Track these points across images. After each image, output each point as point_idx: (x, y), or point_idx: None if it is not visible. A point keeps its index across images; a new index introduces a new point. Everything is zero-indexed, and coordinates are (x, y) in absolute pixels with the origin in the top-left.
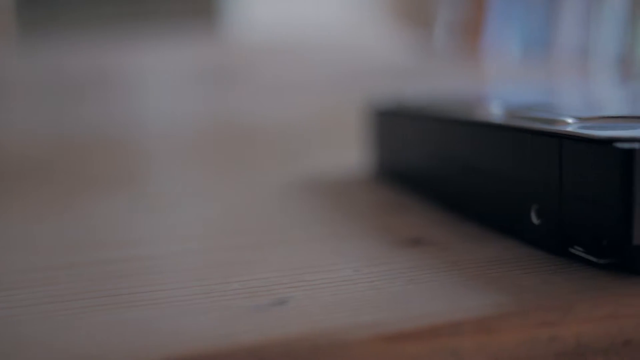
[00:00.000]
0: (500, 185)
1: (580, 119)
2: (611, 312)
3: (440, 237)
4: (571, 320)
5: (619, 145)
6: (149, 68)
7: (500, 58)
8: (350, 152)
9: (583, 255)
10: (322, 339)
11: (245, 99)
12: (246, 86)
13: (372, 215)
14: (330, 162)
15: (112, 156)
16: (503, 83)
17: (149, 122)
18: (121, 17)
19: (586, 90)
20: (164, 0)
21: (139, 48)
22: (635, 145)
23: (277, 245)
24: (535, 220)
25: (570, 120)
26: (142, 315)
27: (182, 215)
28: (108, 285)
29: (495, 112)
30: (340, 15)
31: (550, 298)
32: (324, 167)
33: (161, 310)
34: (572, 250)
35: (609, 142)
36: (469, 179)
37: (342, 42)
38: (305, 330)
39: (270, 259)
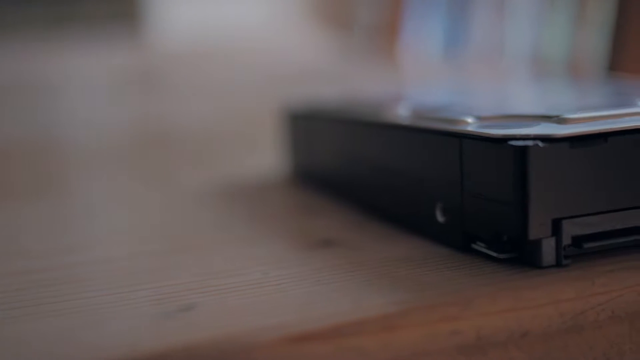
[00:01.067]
0: (408, 185)
1: (480, 119)
2: (510, 306)
3: (351, 238)
4: (471, 314)
5: (514, 143)
6: (71, 72)
7: (418, 59)
8: (269, 155)
9: (485, 251)
10: (227, 344)
11: (167, 103)
12: (169, 90)
13: (285, 217)
14: (248, 165)
15: (33, 163)
16: (417, 84)
17: (70, 127)
18: (44, 21)
19: (495, 90)
20: (86, 3)
21: (61, 52)
22: (529, 143)
23: (188, 250)
24: (440, 218)
25: (470, 120)
26: (49, 326)
27: (101, 223)
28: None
29: (402, 113)
30: (263, 19)
31: (451, 294)
32: (242, 170)
33: (68, 319)
34: (475, 247)
35: (504, 140)
36: (378, 179)
37: (264, 45)
38: (211, 336)
39: (180, 265)
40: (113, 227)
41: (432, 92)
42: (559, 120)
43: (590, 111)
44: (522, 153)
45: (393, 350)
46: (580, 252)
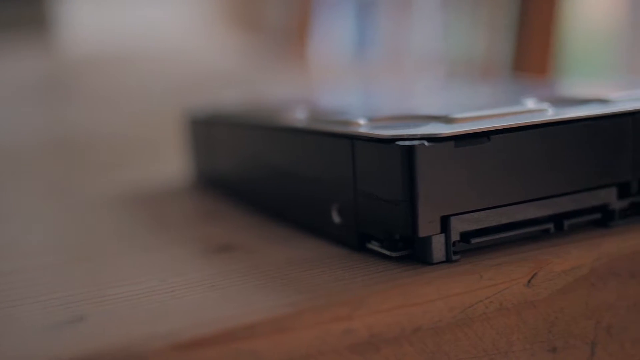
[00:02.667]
0: (305, 187)
1: (372, 120)
2: (401, 302)
3: (249, 242)
4: (363, 313)
5: (400, 143)
6: None
7: (326, 61)
8: (174, 162)
9: (379, 250)
10: (117, 354)
11: (75, 109)
12: (77, 97)
13: (186, 224)
14: (154, 172)
15: None
16: (324, 86)
17: None
18: None
19: (395, 91)
20: None
21: None
22: (415, 142)
23: (84, 261)
24: (336, 219)
25: (362, 122)
26: None
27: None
28: None
29: (299, 116)
30: (173, 24)
31: (343, 293)
32: (148, 178)
33: None
34: (369, 246)
35: (392, 140)
36: (278, 182)
37: (175, 50)
38: (100, 347)
39: (74, 276)
40: (7, 239)
41: (333, 95)
42: (447, 120)
43: (477, 110)
44: (408, 152)
45: (286, 352)
46: (469, 247)
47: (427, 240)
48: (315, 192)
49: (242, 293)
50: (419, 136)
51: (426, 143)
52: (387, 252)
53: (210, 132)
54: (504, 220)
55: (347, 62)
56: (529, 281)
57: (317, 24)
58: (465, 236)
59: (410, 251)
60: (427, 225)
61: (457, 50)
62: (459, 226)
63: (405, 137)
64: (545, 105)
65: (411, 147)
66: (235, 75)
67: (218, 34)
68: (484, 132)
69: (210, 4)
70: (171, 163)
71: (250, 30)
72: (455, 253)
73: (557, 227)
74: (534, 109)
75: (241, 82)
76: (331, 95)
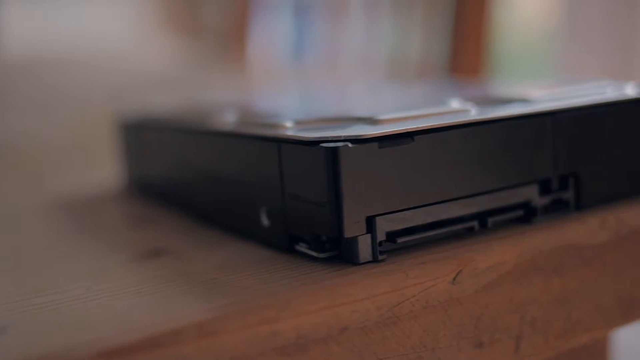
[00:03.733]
0: (235, 191)
1: (299, 123)
2: (328, 303)
3: (179, 247)
4: (289, 314)
5: (325, 144)
6: None
7: (265, 64)
8: (108, 168)
9: (306, 251)
10: None
11: (8, 116)
12: (10, 103)
13: (117, 230)
14: (88, 178)
15: None
16: (258, 89)
17: None
18: None
19: (327, 93)
20: None
21: None
22: (339, 144)
23: (10, 271)
24: (265, 222)
25: (289, 124)
26: None
27: None
28: None
29: (229, 119)
30: (110, 28)
31: (269, 296)
32: (80, 184)
33: None
34: (298, 248)
35: (317, 142)
36: (208, 186)
37: (111, 55)
38: (22, 357)
39: None
40: None
41: (267, 97)
42: (372, 121)
43: (402, 111)
44: (332, 154)
45: (213, 357)
46: (395, 247)
47: (353, 240)
48: (244, 195)
49: (169, 299)
50: (343, 138)
51: (350, 145)
52: (315, 254)
53: (141, 136)
54: (429, 219)
55: (285, 64)
56: (454, 278)
57: (255, 27)
58: (391, 236)
59: (338, 252)
60: (352, 226)
61: (393, 52)
62: (384, 226)
63: (330, 139)
64: (469, 106)
65: (335, 149)
66: (173, 79)
67: (155, 38)
68: (407, 132)
69: (147, 8)
70: (105, 169)
71: (188, 33)
72: (381, 253)
73: (482, 225)
74: (457, 109)
75: (178, 86)
76: (265, 98)
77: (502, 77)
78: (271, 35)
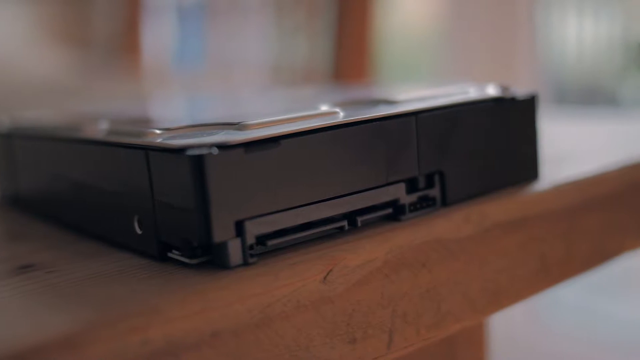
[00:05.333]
0: (107, 201)
1: (168, 130)
2: (199, 308)
3: (51, 260)
4: (160, 321)
5: (190, 152)
6: None
7: (157, 72)
8: None
9: (178, 258)
10: None
11: None
12: None
13: None
14: None
15: None
16: (143, 97)
17: None
18: None
19: (206, 100)
20: None
21: None
22: (204, 151)
23: None
24: (138, 230)
25: (158, 132)
26: None
27: None
28: None
29: (101, 128)
30: None
31: (139, 304)
32: None
33: None
34: (170, 255)
35: (182, 150)
36: (81, 197)
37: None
38: None
39: None
40: None
41: (146, 105)
42: (240, 127)
43: (270, 116)
44: (197, 161)
45: None
46: (265, 249)
47: (223, 245)
48: (117, 205)
49: (36, 313)
50: (208, 144)
51: (214, 151)
52: (186, 260)
53: (11, 147)
54: (299, 221)
55: (174, 71)
56: (325, 277)
57: (146, 34)
58: (262, 239)
59: (209, 257)
60: (221, 231)
61: (278, 58)
62: (254, 230)
63: (195, 146)
64: (337, 109)
65: (200, 156)
66: (61, 89)
67: (43, 48)
68: (273, 137)
69: (34, 19)
70: None
71: (77, 43)
72: (252, 256)
73: (351, 224)
74: (325, 112)
75: (67, 96)
76: (145, 105)
77: (384, 82)
78: (161, 42)
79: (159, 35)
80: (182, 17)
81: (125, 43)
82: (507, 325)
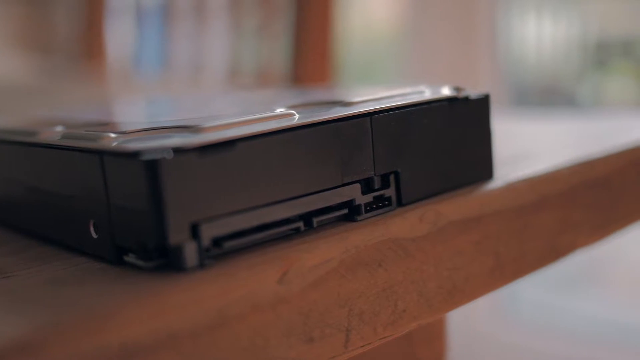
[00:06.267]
0: (63, 205)
1: (123, 134)
2: (155, 311)
3: (7, 266)
4: (115, 325)
5: (144, 156)
6: None
7: (118, 75)
8: None
9: (135, 262)
10: None
11: None
12: None
13: None
14: None
15: None
16: (105, 100)
17: None
18: None
19: (165, 103)
20: None
21: None
22: (158, 155)
23: None
24: (94, 234)
25: (113, 136)
26: None
27: None
28: None
29: (56, 132)
30: None
31: (95, 308)
32: None
33: None
34: (127, 259)
35: (137, 154)
36: (37, 202)
37: None
38: None
39: None
40: None
41: (101, 108)
42: (195, 130)
43: (225, 119)
44: (152, 165)
45: None
46: (222, 251)
47: (179, 248)
48: (72, 209)
49: None
50: (163, 148)
51: (170, 155)
52: (142, 263)
53: None
54: (255, 223)
55: (136, 74)
56: (281, 278)
57: (108, 38)
58: (218, 241)
59: (165, 260)
60: (177, 234)
61: (240, 61)
62: (210, 232)
63: (150, 150)
64: (292, 111)
65: (154, 161)
66: (24, 94)
67: (2, 53)
68: (228, 140)
69: None
70: None
71: (39, 48)
72: (208, 258)
73: (307, 225)
74: (280, 114)
75: (30, 101)
76: (102, 108)
77: (343, 84)
78: (122, 45)
79: (120, 38)
80: (143, 20)
81: (86, 46)
82: (470, 320)
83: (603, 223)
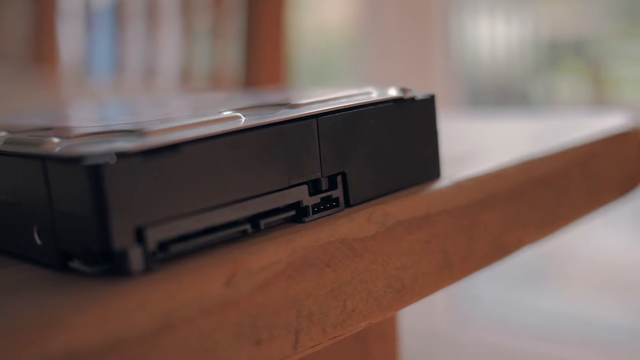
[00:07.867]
0: (6, 211)
1: (67, 138)
2: (100, 316)
3: None
4: (60, 331)
5: (86, 161)
6: None
7: (69, 79)
8: None
9: (79, 267)
10: None
11: None
12: None
13: None
14: None
15: None
16: (55, 104)
17: None
18: None
19: (113, 107)
20: None
21: None
22: (101, 160)
23: None
24: (38, 240)
25: (56, 141)
26: None
27: None
28: None
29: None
30: None
31: (39, 314)
32: None
33: None
34: (71, 265)
35: (79, 159)
36: None
37: None
38: None
39: None
40: None
41: (49, 113)
42: (140, 134)
43: (170, 122)
44: (94, 171)
45: None
46: (168, 255)
47: (124, 252)
48: (15, 215)
49: None
50: (106, 153)
51: (113, 160)
52: (87, 269)
53: None
54: (202, 226)
55: (87, 78)
56: (229, 281)
57: (59, 41)
58: (164, 245)
59: (110, 265)
60: (121, 238)
61: (192, 63)
62: (156, 236)
63: (92, 155)
64: (239, 114)
65: (97, 166)
66: None
67: None
68: (172, 144)
69: None
70: None
71: None
72: (154, 262)
73: (255, 227)
74: (226, 117)
75: None
76: (49, 113)
77: (295, 86)
78: (74, 49)
79: (71, 41)
80: (94, 23)
81: (36, 50)
82: (427, 319)
83: (549, 220)
